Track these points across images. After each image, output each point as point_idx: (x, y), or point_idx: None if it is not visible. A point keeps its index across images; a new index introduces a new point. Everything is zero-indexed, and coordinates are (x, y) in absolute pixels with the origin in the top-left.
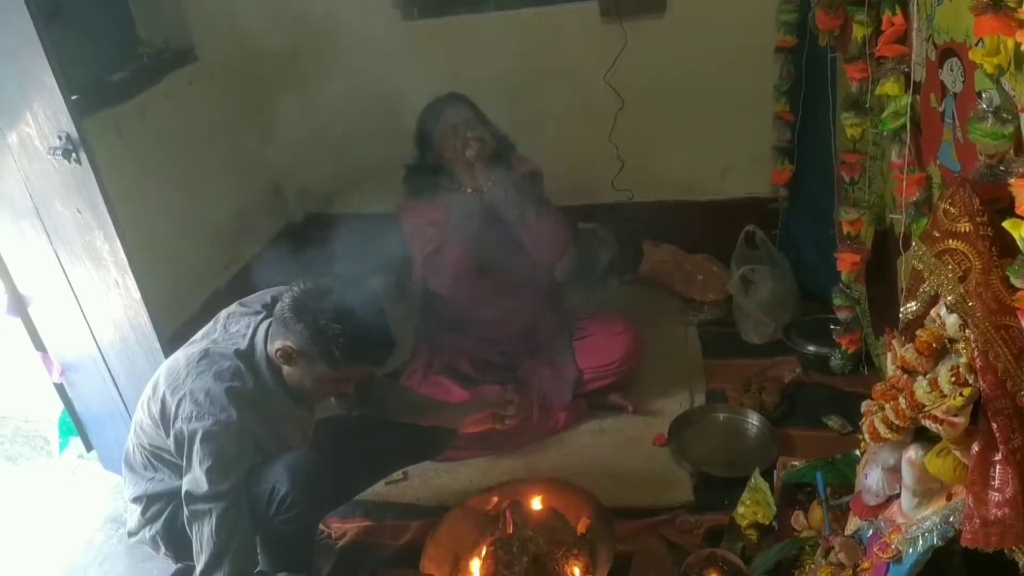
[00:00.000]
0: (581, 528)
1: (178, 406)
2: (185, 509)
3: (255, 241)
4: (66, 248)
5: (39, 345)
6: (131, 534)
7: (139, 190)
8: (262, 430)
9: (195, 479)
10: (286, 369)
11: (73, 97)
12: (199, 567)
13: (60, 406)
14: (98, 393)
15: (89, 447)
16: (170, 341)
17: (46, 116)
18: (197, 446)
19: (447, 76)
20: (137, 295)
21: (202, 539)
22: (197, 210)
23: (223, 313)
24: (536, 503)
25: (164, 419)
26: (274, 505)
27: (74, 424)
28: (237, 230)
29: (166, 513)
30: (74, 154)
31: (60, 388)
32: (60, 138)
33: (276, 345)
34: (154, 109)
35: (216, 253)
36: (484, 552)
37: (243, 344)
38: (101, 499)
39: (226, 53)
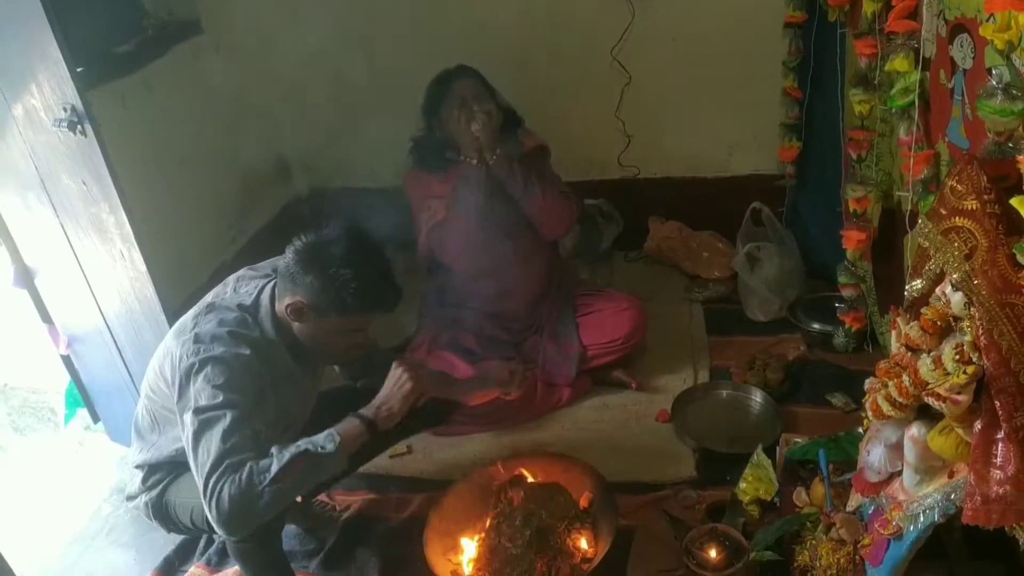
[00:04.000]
0: (584, 502)
1: (183, 347)
2: (194, 422)
3: (261, 214)
4: (72, 220)
5: (46, 317)
6: (129, 498)
7: (144, 163)
8: (266, 380)
9: (208, 392)
10: (296, 326)
11: (78, 69)
12: (199, 479)
13: (67, 378)
14: (104, 365)
15: (96, 419)
16: (176, 314)
17: (51, 88)
18: (208, 369)
19: (453, 50)
20: (143, 268)
21: (210, 445)
22: (202, 183)
23: (233, 276)
24: (539, 477)
25: (172, 369)
26: None
27: (81, 396)
28: (242, 203)
29: (163, 484)
30: (79, 126)
31: (67, 360)
32: (65, 110)
33: (285, 302)
34: (159, 81)
35: (222, 226)
36: (487, 525)
37: (248, 300)
38: (108, 470)
39: (231, 25)
